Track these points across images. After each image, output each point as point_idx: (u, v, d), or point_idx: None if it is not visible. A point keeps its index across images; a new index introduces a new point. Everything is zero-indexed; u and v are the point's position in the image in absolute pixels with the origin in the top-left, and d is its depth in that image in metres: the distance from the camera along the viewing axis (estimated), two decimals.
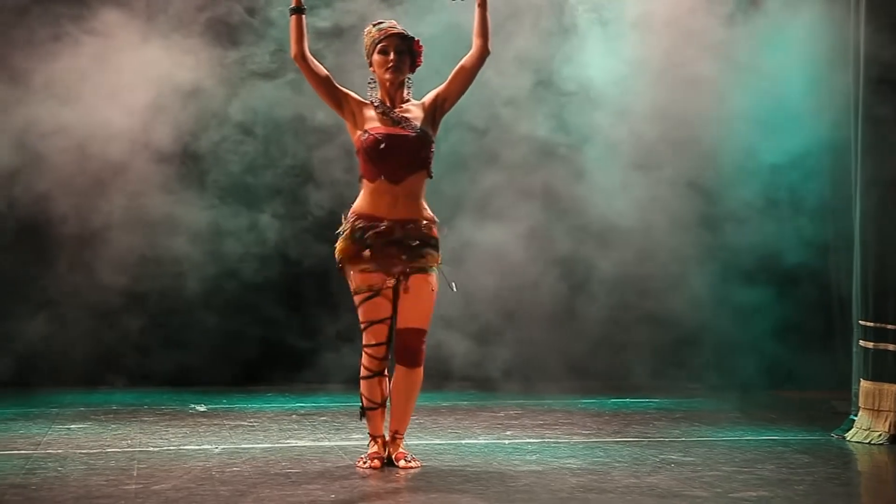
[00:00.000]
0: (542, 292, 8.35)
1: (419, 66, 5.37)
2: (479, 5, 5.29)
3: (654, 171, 8.17)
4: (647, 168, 8.17)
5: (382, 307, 5.24)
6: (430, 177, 5.30)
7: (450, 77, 5.32)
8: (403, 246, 5.20)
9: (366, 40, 5.36)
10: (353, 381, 7.97)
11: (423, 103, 5.35)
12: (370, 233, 5.19)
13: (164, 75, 7.93)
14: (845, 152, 6.80)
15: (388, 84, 5.29)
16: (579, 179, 8.20)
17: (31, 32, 7.94)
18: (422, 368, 5.33)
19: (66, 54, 7.85)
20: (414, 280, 5.23)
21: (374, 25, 5.37)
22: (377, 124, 5.27)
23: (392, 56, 5.26)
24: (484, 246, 8.05)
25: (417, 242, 5.21)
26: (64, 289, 8.16)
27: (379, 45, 5.28)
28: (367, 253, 5.20)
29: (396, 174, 5.22)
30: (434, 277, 5.28)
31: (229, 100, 8.22)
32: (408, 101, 5.35)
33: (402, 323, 5.28)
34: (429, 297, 5.26)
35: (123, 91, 7.88)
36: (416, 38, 5.34)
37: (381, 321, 5.24)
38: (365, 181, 5.29)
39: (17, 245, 8.18)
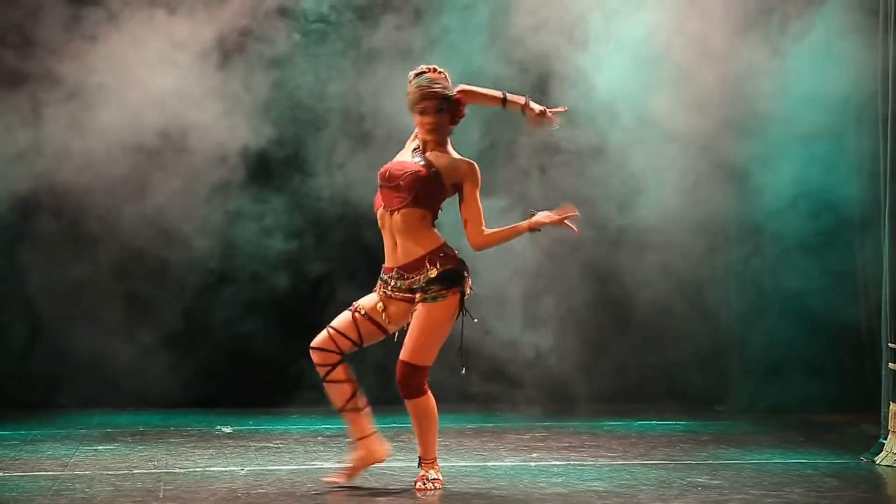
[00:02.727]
0: (570, 310, 8.32)
1: (462, 117, 5.32)
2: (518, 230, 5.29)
3: (690, 192, 8.12)
4: (683, 189, 8.10)
5: (348, 322, 5.31)
6: (433, 216, 5.28)
7: (461, 199, 5.29)
8: (405, 296, 5.27)
9: (408, 88, 5.33)
10: (376, 403, 8.04)
11: (455, 164, 5.29)
12: (382, 289, 5.32)
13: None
14: (876, 174, 6.77)
15: (427, 139, 5.33)
16: (617, 194, 8.19)
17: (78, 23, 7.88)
18: (420, 399, 5.22)
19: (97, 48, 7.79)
20: (417, 310, 5.23)
21: (416, 76, 5.31)
22: (404, 158, 5.35)
23: (428, 120, 5.29)
24: (515, 259, 8.05)
25: (417, 293, 5.23)
26: (86, 307, 8.17)
27: (417, 106, 5.28)
28: (380, 306, 5.32)
29: (391, 203, 5.27)
30: (438, 308, 5.21)
31: (239, 96, 8.07)
32: (442, 148, 5.32)
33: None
34: (421, 329, 5.20)
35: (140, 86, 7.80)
36: (456, 95, 5.28)
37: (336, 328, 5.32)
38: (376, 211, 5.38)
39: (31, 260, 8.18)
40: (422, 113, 5.28)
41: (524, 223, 5.26)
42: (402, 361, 5.23)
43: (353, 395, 5.32)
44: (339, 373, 5.30)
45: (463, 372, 5.42)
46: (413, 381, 5.21)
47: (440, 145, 5.34)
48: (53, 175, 7.87)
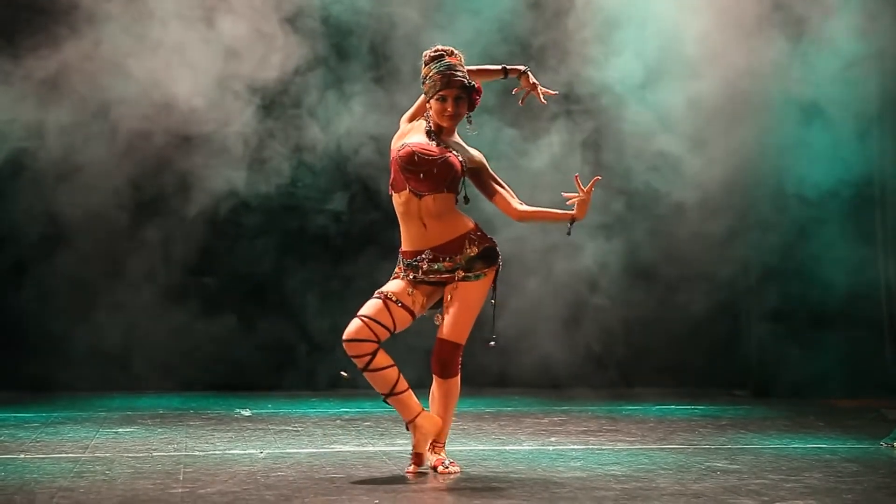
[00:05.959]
0: (575, 295, 8.31)
1: (477, 105, 5.32)
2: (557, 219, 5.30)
3: (715, 185, 8.10)
4: (709, 181, 8.09)
5: (381, 309, 5.23)
6: (465, 201, 5.30)
7: (484, 182, 5.32)
8: (441, 277, 5.26)
9: (424, 71, 5.28)
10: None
11: (469, 152, 5.32)
12: (411, 273, 5.27)
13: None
14: None
15: (444, 125, 5.29)
16: (649, 170, 8.18)
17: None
18: (454, 379, 5.26)
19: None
20: (458, 289, 5.25)
21: (434, 60, 5.26)
22: (419, 140, 5.29)
23: (450, 108, 5.24)
24: (534, 245, 8.04)
25: (455, 271, 5.23)
26: (108, 293, 8.20)
27: (439, 93, 5.24)
28: (410, 290, 5.27)
29: (420, 187, 5.23)
30: (478, 287, 5.25)
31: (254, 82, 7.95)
32: (454, 134, 5.33)
33: (438, 332, 5.28)
34: (465, 307, 5.22)
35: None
36: (476, 85, 5.28)
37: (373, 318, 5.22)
38: (393, 193, 5.32)
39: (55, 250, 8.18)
40: (443, 100, 5.24)
41: (562, 212, 5.29)
42: (445, 340, 5.23)
43: (398, 380, 5.24)
44: (379, 360, 5.20)
45: (491, 343, 5.40)
46: (453, 359, 5.24)
47: (453, 131, 5.34)
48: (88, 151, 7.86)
